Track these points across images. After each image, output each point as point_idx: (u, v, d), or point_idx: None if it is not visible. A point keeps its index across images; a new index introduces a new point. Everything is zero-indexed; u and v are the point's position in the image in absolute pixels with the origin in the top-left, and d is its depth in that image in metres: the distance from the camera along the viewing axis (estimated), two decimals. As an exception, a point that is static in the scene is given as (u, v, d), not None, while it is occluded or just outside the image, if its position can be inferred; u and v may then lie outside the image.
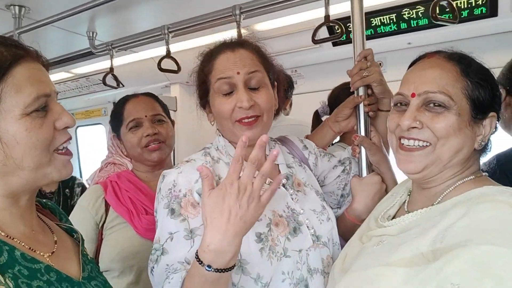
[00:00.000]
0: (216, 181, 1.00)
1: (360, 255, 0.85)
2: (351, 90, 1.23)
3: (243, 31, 1.96)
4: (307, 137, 1.39)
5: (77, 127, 4.44)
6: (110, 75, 2.18)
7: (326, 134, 1.35)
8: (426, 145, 0.82)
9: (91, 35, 2.19)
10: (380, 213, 0.95)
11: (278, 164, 1.14)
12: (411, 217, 0.84)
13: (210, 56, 1.09)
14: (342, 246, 1.07)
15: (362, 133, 1.22)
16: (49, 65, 0.80)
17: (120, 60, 2.79)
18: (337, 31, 1.67)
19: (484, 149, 0.86)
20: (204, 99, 1.12)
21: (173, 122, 1.63)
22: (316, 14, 1.97)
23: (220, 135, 1.12)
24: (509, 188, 0.75)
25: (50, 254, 0.76)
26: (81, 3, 1.64)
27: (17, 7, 1.83)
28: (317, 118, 2.02)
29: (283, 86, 1.20)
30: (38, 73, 0.74)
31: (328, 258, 1.03)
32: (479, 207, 0.71)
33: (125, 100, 1.56)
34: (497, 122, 0.85)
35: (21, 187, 0.73)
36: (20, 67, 0.71)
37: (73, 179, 2.62)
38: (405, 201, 0.95)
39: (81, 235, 0.92)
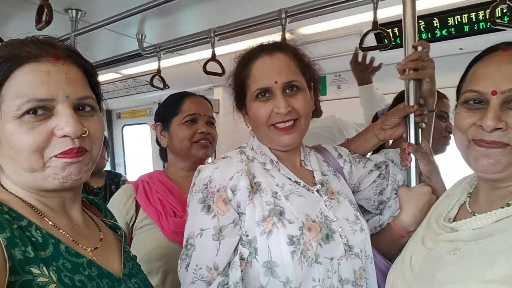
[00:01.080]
0: (250, 179, 1.00)
1: (436, 263, 0.79)
2: (400, 78, 1.16)
3: (287, 35, 1.96)
4: (349, 140, 1.36)
5: (123, 126, 4.61)
6: (157, 77, 2.25)
7: (369, 140, 1.31)
8: (508, 144, 0.74)
9: (140, 37, 2.27)
10: (440, 215, 0.89)
11: (312, 171, 1.12)
12: (484, 218, 0.76)
13: (247, 60, 1.09)
14: (375, 261, 1.04)
15: (412, 138, 1.16)
16: (74, 60, 0.75)
17: (166, 62, 2.87)
18: (385, 37, 1.63)
19: None
20: (241, 102, 1.13)
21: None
22: (363, 18, 1.92)
23: (254, 136, 1.13)
24: None
25: (93, 249, 0.77)
26: (132, 7, 1.70)
27: (74, 11, 1.93)
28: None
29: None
30: (42, 76, 0.69)
31: (361, 270, 1.00)
32: None
33: (184, 94, 1.61)
34: None
35: (32, 187, 0.72)
36: (24, 68, 0.69)
37: (119, 175, 2.77)
38: (464, 202, 0.88)
39: (124, 233, 0.93)
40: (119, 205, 1.47)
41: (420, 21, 2.01)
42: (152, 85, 2.27)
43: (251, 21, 1.71)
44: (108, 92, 3.78)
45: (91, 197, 0.97)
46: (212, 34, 1.84)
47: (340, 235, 1.00)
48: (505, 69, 0.76)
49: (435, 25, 2.03)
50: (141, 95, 3.75)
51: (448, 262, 0.76)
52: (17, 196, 0.72)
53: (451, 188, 1.00)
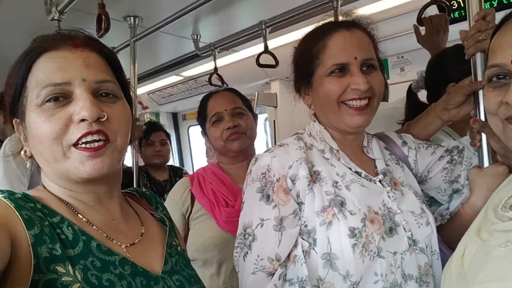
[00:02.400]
0: (309, 168, 0.96)
1: (486, 259, 0.70)
2: (466, 58, 1.04)
3: (342, 19, 1.87)
4: (408, 125, 1.25)
5: (189, 126, 4.78)
6: (215, 75, 2.29)
7: (431, 123, 1.18)
8: None
9: (195, 37, 2.32)
10: (500, 202, 0.78)
11: (374, 160, 1.06)
12: None
13: (322, 34, 1.01)
14: (442, 256, 0.95)
15: (482, 116, 1.03)
16: (92, 46, 0.73)
17: (224, 61, 2.91)
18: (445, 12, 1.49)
19: None
20: (304, 80, 1.05)
21: (255, 116, 1.66)
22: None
23: (315, 121, 1.07)
24: None
25: (128, 245, 0.74)
26: (184, 6, 1.74)
27: (132, 18, 2.02)
28: (410, 96, 1.66)
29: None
30: (59, 61, 0.68)
31: (427, 266, 0.92)
32: None
33: (208, 96, 1.63)
34: None
35: (62, 179, 0.71)
36: (43, 57, 0.69)
37: (181, 169, 2.98)
38: None
39: (172, 226, 0.90)
40: (176, 197, 1.53)
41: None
42: (211, 84, 2.31)
43: (301, 8, 1.66)
44: (172, 95, 3.94)
45: (144, 189, 0.98)
46: (263, 26, 1.82)
47: (404, 228, 0.94)
48: None
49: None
50: (202, 95, 3.85)
51: (498, 256, 0.67)
52: (53, 193, 0.73)
53: None
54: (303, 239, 0.92)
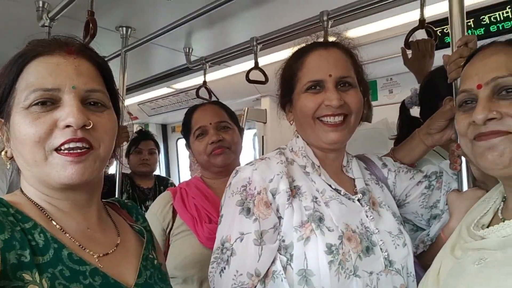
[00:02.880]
0: (289, 182, 0.96)
1: (460, 275, 0.73)
2: (448, 82, 1.06)
3: (333, 39, 1.90)
4: (393, 150, 1.26)
5: (178, 139, 4.76)
6: (203, 88, 2.30)
7: (416, 148, 1.19)
8: (510, 132, 0.70)
9: (187, 51, 2.33)
10: (472, 221, 0.81)
11: (354, 179, 1.06)
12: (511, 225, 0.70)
13: (301, 52, 1.05)
14: (417, 278, 0.94)
15: None
16: (86, 54, 0.74)
17: (215, 75, 2.93)
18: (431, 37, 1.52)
19: None
20: (287, 97, 1.07)
21: (241, 130, 1.62)
22: (410, 17, 1.82)
23: (298, 137, 1.08)
24: None
25: (101, 255, 0.72)
26: (177, 19, 1.75)
27: (124, 28, 2.02)
28: (403, 111, 1.68)
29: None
30: (52, 67, 0.69)
31: (402, 287, 0.92)
32: None
33: (193, 109, 1.59)
34: None
35: (41, 183, 0.71)
36: (36, 61, 0.70)
37: (167, 179, 2.94)
38: (499, 208, 0.80)
39: (150, 238, 0.89)
40: (156, 211, 1.48)
41: (470, 18, 1.86)
42: (198, 96, 2.31)
43: (292, 27, 1.68)
44: (162, 106, 3.93)
45: (125, 200, 0.97)
46: (254, 43, 1.84)
47: (381, 249, 0.93)
48: (488, 62, 0.75)
49: (484, 21, 1.86)
50: (192, 108, 3.85)
51: (472, 273, 0.71)
52: (29, 198, 0.72)
53: (491, 191, 0.91)
54: (280, 254, 0.91)
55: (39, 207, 0.71)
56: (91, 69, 0.74)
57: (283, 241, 0.91)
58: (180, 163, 4.83)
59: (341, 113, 0.97)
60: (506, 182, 0.78)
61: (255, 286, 0.89)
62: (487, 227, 0.78)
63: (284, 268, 0.89)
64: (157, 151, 2.79)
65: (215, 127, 1.50)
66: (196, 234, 1.37)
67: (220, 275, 0.92)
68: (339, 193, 1.00)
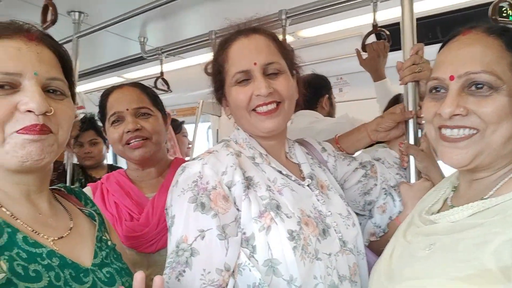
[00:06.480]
0: (243, 173, 0.95)
1: (411, 259, 0.77)
2: (400, 84, 1.16)
3: (288, 37, 1.96)
4: (340, 137, 1.32)
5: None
6: (160, 79, 2.27)
7: (361, 140, 1.28)
8: (473, 133, 0.72)
9: (142, 40, 2.28)
10: (423, 209, 0.87)
11: (299, 164, 1.08)
12: (460, 211, 0.74)
13: (224, 44, 1.03)
14: (368, 259, 1.01)
15: (411, 141, 1.16)
16: (46, 40, 0.74)
17: (170, 66, 2.88)
18: (385, 39, 1.64)
19: None
20: (220, 91, 1.06)
21: (167, 116, 1.42)
22: (363, 20, 1.93)
23: (238, 129, 1.07)
24: None
25: (56, 238, 0.73)
26: (133, 8, 1.71)
27: (77, 13, 1.95)
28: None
29: (303, 79, 1.13)
30: (12, 52, 0.69)
31: (355, 266, 0.97)
32: None
33: (109, 91, 1.36)
34: None
35: None
36: None
37: (121, 168, 2.75)
38: (448, 197, 0.86)
39: (102, 221, 0.90)
40: None
41: (420, 22, 2.00)
42: (156, 88, 2.28)
43: (251, 23, 1.71)
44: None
45: (70, 186, 0.96)
46: (213, 36, 1.85)
47: (335, 230, 0.97)
48: (463, 53, 0.74)
49: (434, 27, 2.03)
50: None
51: (422, 257, 0.74)
52: None
53: (441, 181, 0.97)
54: (242, 247, 0.89)
55: None
56: (51, 57, 0.74)
57: (244, 233, 0.90)
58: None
59: (272, 101, 0.97)
60: (465, 174, 0.81)
61: (227, 283, 0.85)
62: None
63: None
64: (101, 140, 2.54)
65: (133, 114, 1.28)
66: (117, 233, 1.23)
67: (178, 279, 0.84)
68: (290, 179, 1.01)
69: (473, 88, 0.71)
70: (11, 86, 0.68)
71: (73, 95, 0.80)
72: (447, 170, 0.91)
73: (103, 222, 0.91)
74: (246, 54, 0.97)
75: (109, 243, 0.86)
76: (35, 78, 0.69)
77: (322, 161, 1.16)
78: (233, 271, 0.87)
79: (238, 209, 0.91)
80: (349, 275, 0.94)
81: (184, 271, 0.84)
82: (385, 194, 1.19)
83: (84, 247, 0.79)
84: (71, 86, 0.80)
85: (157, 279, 0.65)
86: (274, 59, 0.98)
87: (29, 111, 0.67)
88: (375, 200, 1.19)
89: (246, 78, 0.97)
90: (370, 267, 0.98)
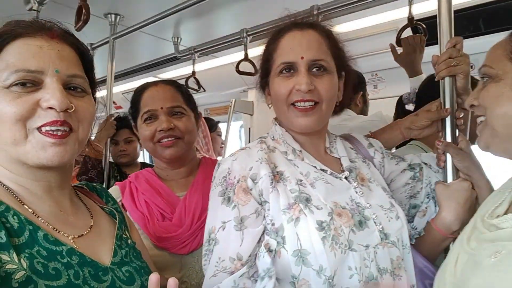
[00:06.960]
0: (271, 168, 0.96)
1: (477, 268, 0.72)
2: (436, 80, 1.10)
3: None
4: (372, 133, 1.29)
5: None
6: (192, 78, 2.30)
7: (394, 138, 1.24)
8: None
9: (176, 40, 2.32)
10: (486, 212, 0.81)
11: (339, 158, 1.07)
12: None
13: (277, 33, 1.04)
14: (413, 259, 0.97)
15: (449, 139, 1.09)
16: (68, 39, 0.75)
17: (203, 65, 2.92)
18: (421, 33, 1.58)
19: None
20: (265, 79, 1.07)
21: (199, 116, 1.41)
22: (398, 14, 1.86)
23: (276, 124, 1.08)
24: None
25: (76, 236, 0.74)
26: (167, 8, 1.74)
27: (113, 15, 2.01)
28: (400, 106, 1.81)
29: (353, 80, 1.12)
30: (35, 49, 0.70)
31: (399, 259, 0.93)
32: None
33: (143, 88, 1.35)
34: None
35: (17, 163, 0.71)
36: (17, 42, 0.70)
37: (152, 167, 2.82)
38: None
39: (122, 218, 0.91)
40: None
41: (461, 14, 1.91)
42: (187, 87, 2.31)
43: (282, 19, 1.69)
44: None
45: (93, 183, 0.98)
46: (244, 34, 1.86)
47: (375, 222, 0.94)
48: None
49: (476, 19, 1.93)
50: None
51: (488, 266, 0.69)
52: (0, 181, 0.72)
53: (507, 181, 0.89)
54: (271, 238, 0.91)
55: (10, 191, 0.72)
56: (73, 55, 0.75)
57: (273, 224, 0.92)
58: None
59: (310, 100, 0.97)
60: None
61: (238, 270, 0.88)
62: None
63: (277, 252, 0.90)
64: (136, 139, 2.61)
65: (166, 113, 1.28)
66: (148, 234, 1.20)
67: (205, 266, 0.93)
68: (325, 173, 1.01)
69: None
70: (33, 84, 0.69)
71: (93, 95, 0.82)
72: (490, 170, 0.84)
73: (124, 220, 0.93)
74: (296, 47, 0.98)
75: (129, 241, 0.87)
76: (56, 76, 0.70)
77: (367, 156, 1.14)
78: (255, 259, 0.90)
79: (266, 201, 0.94)
80: (392, 269, 0.91)
81: (210, 258, 0.91)
82: (428, 197, 1.14)
83: (104, 245, 0.79)
84: (92, 86, 0.81)
85: (171, 281, 0.64)
86: (322, 57, 0.98)
87: (51, 108, 0.69)
88: (420, 204, 1.14)
89: (290, 69, 0.98)
90: (415, 267, 0.96)
